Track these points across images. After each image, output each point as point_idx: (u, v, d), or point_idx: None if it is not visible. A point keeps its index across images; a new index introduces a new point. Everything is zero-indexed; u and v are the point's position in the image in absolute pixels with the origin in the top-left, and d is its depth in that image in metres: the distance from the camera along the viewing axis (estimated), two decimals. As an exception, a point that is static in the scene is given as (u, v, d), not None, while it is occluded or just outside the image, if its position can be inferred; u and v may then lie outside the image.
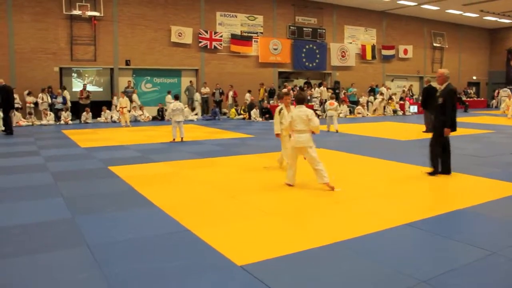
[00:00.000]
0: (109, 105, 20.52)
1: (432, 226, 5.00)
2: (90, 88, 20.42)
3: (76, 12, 19.51)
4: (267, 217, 5.43)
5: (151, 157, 9.95)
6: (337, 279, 3.70)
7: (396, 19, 29.95)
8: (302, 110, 6.84)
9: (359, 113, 23.51)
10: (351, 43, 28.16)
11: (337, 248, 4.34)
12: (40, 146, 11.85)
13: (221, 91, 22.70)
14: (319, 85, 25.29)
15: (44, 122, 18.33)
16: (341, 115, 22.65)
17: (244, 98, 22.39)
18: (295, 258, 4.10)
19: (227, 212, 5.66)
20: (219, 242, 4.47)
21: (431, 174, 7.76)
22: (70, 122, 18.70)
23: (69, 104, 19.32)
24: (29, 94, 18.52)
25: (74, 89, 20.68)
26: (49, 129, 16.59)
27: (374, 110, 24.44)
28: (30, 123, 17.94)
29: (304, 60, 26.14)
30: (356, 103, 24.82)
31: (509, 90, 27.63)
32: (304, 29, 26.04)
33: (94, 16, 19.95)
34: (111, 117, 19.54)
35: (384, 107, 24.42)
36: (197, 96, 22.02)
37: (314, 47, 26.45)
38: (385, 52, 29.55)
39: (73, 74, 20.98)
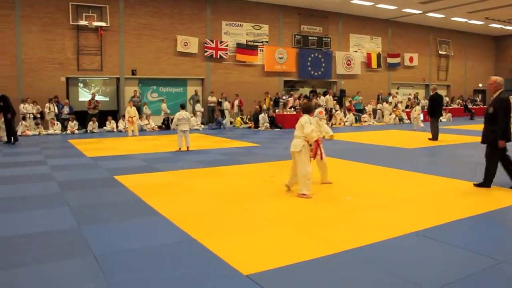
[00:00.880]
0: (114, 114, 20.61)
1: (439, 234, 4.94)
2: (96, 98, 20.52)
3: (83, 22, 19.70)
4: (273, 226, 5.40)
5: (157, 166, 9.96)
6: (344, 289, 3.66)
7: (401, 27, 29.97)
8: (303, 118, 7.04)
9: (365, 121, 23.48)
10: (356, 51, 28.19)
11: (343, 257, 4.30)
12: (46, 155, 11.90)
13: (227, 100, 22.77)
14: (324, 94, 25.31)
15: (51, 131, 18.42)
16: (347, 123, 22.67)
17: (249, 107, 22.46)
18: (301, 267, 4.07)
19: (233, 221, 5.63)
20: (225, 251, 4.44)
21: (478, 185, 7.38)
22: (76, 131, 18.78)
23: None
24: (25, 102, 18.46)
25: (80, 99, 20.81)
26: (55, 139, 16.67)
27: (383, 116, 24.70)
28: (37, 133, 18.03)
29: (309, 68, 26.17)
30: (362, 111, 24.80)
31: None
32: (309, 37, 26.12)
33: (101, 26, 20.12)
34: (117, 126, 19.62)
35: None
36: (198, 106, 22.04)
37: (320, 56, 26.49)
38: (390, 60, 29.55)
39: (79, 84, 21.11)
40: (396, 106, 25.22)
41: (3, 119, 15.02)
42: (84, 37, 20.07)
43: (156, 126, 20.52)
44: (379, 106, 25.45)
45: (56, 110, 19.06)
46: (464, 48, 33.92)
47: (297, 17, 25.67)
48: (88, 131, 19.04)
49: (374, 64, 28.75)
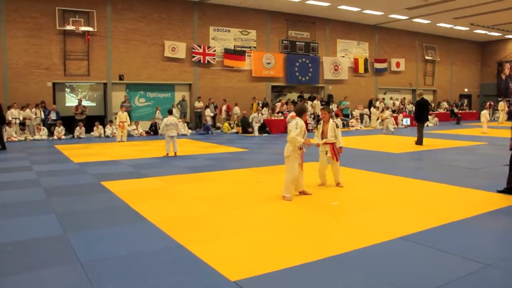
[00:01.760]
0: (102, 120, 20.48)
1: (425, 239, 4.99)
2: (83, 103, 20.37)
3: (70, 27, 19.55)
4: (260, 232, 5.40)
5: (144, 172, 9.91)
6: (331, 294, 3.68)
7: (388, 33, 30.27)
8: (292, 123, 7.17)
9: (352, 126, 23.63)
10: (343, 56, 28.39)
11: (330, 263, 4.32)
12: (32, 161, 11.78)
13: (215, 105, 22.76)
14: (310, 99, 25.40)
15: (37, 137, 18.24)
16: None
17: (234, 112, 22.51)
18: (289, 272, 4.08)
19: (220, 227, 5.63)
20: (212, 258, 4.44)
21: (501, 191, 7.26)
22: (63, 137, 18.62)
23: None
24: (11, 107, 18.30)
25: (67, 104, 20.65)
26: (42, 144, 16.50)
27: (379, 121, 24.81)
28: (23, 138, 17.85)
29: (297, 74, 26.29)
30: (349, 116, 24.93)
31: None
32: (297, 43, 26.25)
33: (88, 31, 20.00)
34: (105, 132, 19.50)
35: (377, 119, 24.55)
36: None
37: (307, 61, 26.63)
38: (377, 65, 29.80)
39: (66, 89, 20.95)
40: (383, 111, 25.36)
41: None
42: (71, 42, 19.93)
43: (144, 132, 20.43)
44: (366, 110, 25.55)
45: (43, 116, 18.89)
46: (450, 53, 34.34)
47: (284, 22, 25.78)
48: (75, 137, 18.87)
49: (361, 69, 28.96)
